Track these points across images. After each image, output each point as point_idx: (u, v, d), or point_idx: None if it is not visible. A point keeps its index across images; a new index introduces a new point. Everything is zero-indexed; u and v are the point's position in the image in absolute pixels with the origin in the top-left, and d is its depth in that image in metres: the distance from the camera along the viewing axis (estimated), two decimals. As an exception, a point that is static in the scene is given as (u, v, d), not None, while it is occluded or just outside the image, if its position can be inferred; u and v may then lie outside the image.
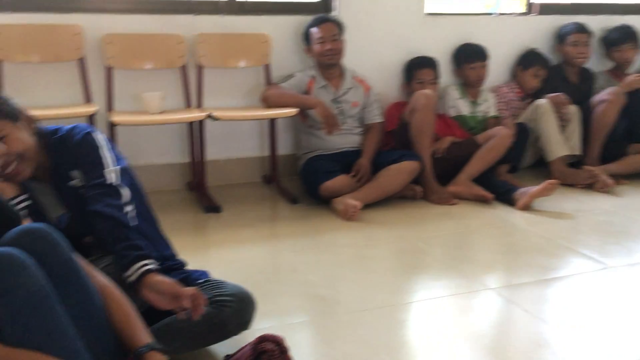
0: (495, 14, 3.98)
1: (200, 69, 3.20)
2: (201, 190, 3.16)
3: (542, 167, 3.55)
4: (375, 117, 3.30)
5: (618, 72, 3.88)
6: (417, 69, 3.46)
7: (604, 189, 3.29)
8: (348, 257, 2.47)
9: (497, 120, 3.56)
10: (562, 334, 1.87)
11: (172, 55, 3.15)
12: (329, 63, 3.18)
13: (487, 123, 3.57)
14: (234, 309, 1.63)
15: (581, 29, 3.76)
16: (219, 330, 1.63)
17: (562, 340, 1.83)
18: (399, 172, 3.03)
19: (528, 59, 3.73)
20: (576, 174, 3.40)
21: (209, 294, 1.63)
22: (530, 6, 3.96)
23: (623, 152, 3.57)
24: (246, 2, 3.38)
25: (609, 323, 1.95)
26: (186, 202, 3.14)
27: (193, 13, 3.23)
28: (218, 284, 1.70)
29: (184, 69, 3.19)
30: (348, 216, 2.83)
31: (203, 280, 1.73)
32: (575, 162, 3.52)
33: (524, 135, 3.43)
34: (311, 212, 2.98)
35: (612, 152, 3.55)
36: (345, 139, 3.20)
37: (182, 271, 1.75)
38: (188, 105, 3.22)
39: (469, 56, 3.58)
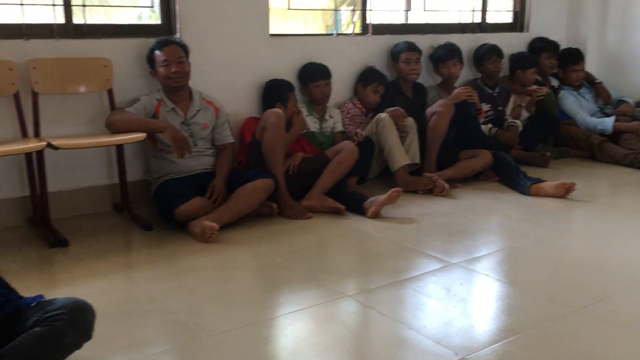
0: (334, 34, 4.19)
1: (35, 96, 3.01)
2: (44, 225, 2.95)
3: (387, 177, 3.78)
4: (227, 137, 3.32)
5: (446, 85, 4.26)
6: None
7: (442, 193, 3.58)
8: (208, 280, 2.45)
9: (344, 135, 3.74)
10: (417, 331, 2.01)
11: (2, 83, 2.93)
12: (175, 86, 3.15)
13: (335, 138, 3.73)
14: (67, 320, 1.57)
15: (411, 47, 4.08)
16: (56, 346, 1.57)
17: (417, 338, 1.97)
18: (254, 190, 3.07)
19: (367, 76, 3.97)
20: (417, 181, 3.66)
21: (38, 314, 1.57)
22: (365, 27, 4.22)
23: (456, 158, 3.91)
24: (83, 25, 3.25)
25: (456, 315, 2.14)
26: (28, 238, 2.92)
27: (24, 37, 3.04)
28: (49, 302, 1.64)
29: (17, 97, 2.98)
30: (206, 238, 2.81)
31: (35, 303, 1.65)
32: (415, 170, 3.80)
33: (369, 147, 3.64)
34: (167, 238, 2.91)
35: (446, 158, 3.88)
36: (197, 161, 3.18)
37: (11, 304, 1.65)
38: (24, 135, 3.01)
39: (313, 75, 3.73)
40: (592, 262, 2.63)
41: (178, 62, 3.12)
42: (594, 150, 4.47)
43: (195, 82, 3.28)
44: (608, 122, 4.54)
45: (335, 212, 3.24)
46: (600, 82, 4.92)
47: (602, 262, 2.63)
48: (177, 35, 3.39)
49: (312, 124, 3.71)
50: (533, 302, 2.24)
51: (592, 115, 4.70)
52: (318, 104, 3.75)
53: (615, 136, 4.52)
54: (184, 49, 3.18)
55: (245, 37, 3.62)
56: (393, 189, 3.22)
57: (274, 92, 3.60)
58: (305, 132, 3.67)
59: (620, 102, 4.82)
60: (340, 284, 2.41)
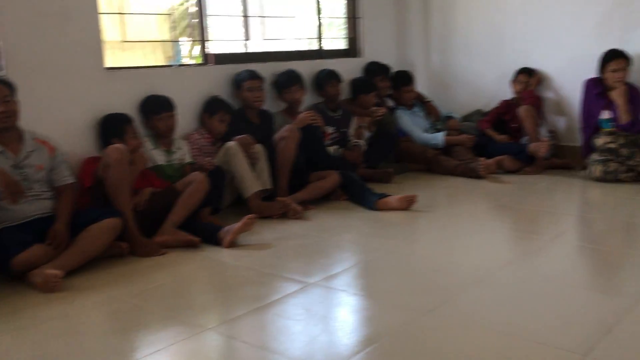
0: (175, 65, 4.13)
1: None
2: None
3: (241, 205, 3.77)
4: (66, 177, 3.11)
5: (291, 111, 4.37)
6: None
7: (296, 216, 3.65)
8: (56, 332, 2.27)
9: (193, 167, 3.68)
10: (281, 354, 2.02)
11: None
12: (1, 127, 2.90)
13: (184, 170, 3.66)
14: None
15: (254, 75, 4.15)
16: None
17: (279, 360, 1.98)
18: (100, 231, 2.91)
19: (212, 106, 3.96)
20: (271, 206, 3.70)
21: None
22: (206, 57, 4.22)
23: (306, 181, 4.02)
24: None
25: (317, 333, 2.17)
26: None
27: None
28: None
29: None
30: (49, 288, 2.60)
31: None
32: (268, 196, 3.83)
33: (220, 177, 3.62)
34: (4, 291, 2.66)
35: (297, 181, 3.97)
36: (34, 206, 2.95)
37: None
38: None
39: (156, 108, 3.64)
40: (437, 266, 2.82)
41: (3, 102, 2.88)
42: (430, 163, 4.83)
43: (26, 121, 3.04)
44: (439, 137, 4.93)
45: (190, 246, 3.17)
46: (430, 101, 5.34)
47: (446, 265, 2.84)
48: (2, 73, 3.14)
49: (159, 157, 3.62)
50: (387, 311, 2.35)
51: (425, 131, 5.07)
52: (163, 137, 3.66)
53: (447, 149, 4.92)
54: (9, 87, 2.95)
55: (78, 72, 3.45)
56: (247, 216, 3.22)
57: (109, 127, 3.45)
58: (153, 166, 3.56)
59: (449, 117, 5.27)
60: (201, 318, 2.36)
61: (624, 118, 4.36)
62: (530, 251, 3.01)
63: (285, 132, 3.92)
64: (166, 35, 4.31)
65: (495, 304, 2.37)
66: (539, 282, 2.58)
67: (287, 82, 4.36)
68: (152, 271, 2.88)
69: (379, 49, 5.43)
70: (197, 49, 4.29)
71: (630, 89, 4.42)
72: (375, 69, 5.15)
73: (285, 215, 3.66)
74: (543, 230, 3.41)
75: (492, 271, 2.70)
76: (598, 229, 3.45)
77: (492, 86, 5.35)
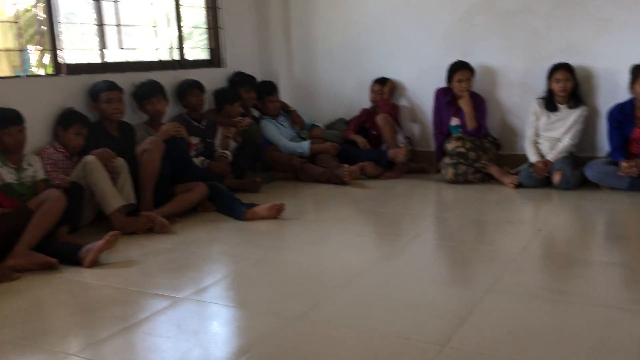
0: (23, 76, 3.85)
1: None
2: None
3: (103, 221, 3.60)
4: None
5: (153, 122, 4.25)
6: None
7: (163, 230, 3.55)
8: None
9: (47, 184, 3.45)
10: (149, 374, 1.95)
11: None
12: None
13: (37, 187, 3.42)
14: None
15: (112, 86, 3.98)
16: None
17: (150, 380, 1.91)
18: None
19: (67, 119, 3.74)
20: (135, 221, 3.57)
21: None
22: (58, 67, 3.98)
23: (172, 193, 3.92)
24: None
25: (189, 348, 2.13)
26: None
27: None
28: None
29: None
30: None
31: None
32: (132, 211, 3.69)
33: (79, 193, 3.42)
34: None
35: (163, 194, 3.86)
36: None
37: None
38: None
39: (2, 122, 3.35)
40: (306, 272, 2.89)
41: None
42: (297, 171, 4.92)
43: None
44: (305, 145, 5.05)
45: (47, 268, 2.97)
46: (294, 110, 5.44)
47: (315, 270, 2.91)
48: None
49: (8, 175, 3.34)
50: (259, 320, 2.37)
51: (291, 140, 5.16)
52: (12, 153, 3.39)
53: (312, 157, 5.04)
54: None
55: None
56: (109, 233, 3.08)
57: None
58: (1, 185, 3.29)
59: (313, 126, 5.40)
60: (62, 343, 2.21)
61: (471, 124, 4.74)
62: (392, 252, 3.17)
63: (148, 145, 3.80)
64: (11, 44, 4.01)
65: (363, 304, 2.47)
66: (402, 281, 2.73)
67: (148, 93, 4.23)
68: (4, 298, 2.66)
69: (242, 59, 5.44)
70: (47, 58, 4.03)
71: (474, 97, 4.82)
72: (240, 80, 5.15)
73: (151, 230, 3.55)
74: (404, 231, 3.61)
75: (358, 273, 2.81)
76: (452, 227, 3.72)
77: (352, 95, 5.57)
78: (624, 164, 4.13)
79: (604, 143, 4.52)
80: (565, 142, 4.50)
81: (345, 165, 4.76)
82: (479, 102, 4.83)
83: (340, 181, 4.70)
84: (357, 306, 2.45)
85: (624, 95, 4.33)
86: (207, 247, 3.34)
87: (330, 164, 4.89)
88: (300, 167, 4.90)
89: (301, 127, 5.38)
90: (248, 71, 5.29)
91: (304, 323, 2.29)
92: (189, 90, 4.57)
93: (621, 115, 4.29)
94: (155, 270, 3.00)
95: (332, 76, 5.69)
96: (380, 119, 5.05)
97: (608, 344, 2.01)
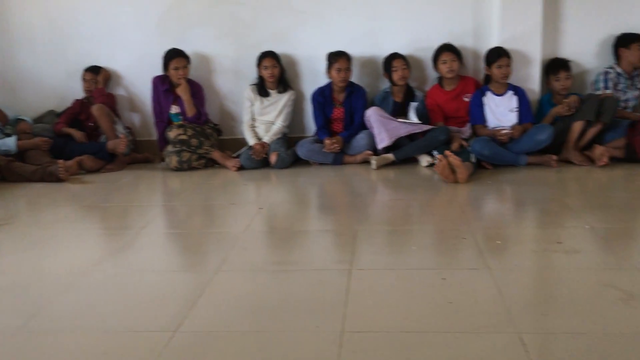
0: None
1: None
2: None
3: None
4: None
5: None
6: None
7: None
8: None
9: None
10: None
11: None
12: None
13: None
14: None
15: None
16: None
17: None
18: None
19: None
20: None
21: None
22: None
23: None
24: None
25: None
26: None
27: None
28: None
29: None
30: None
31: None
32: None
33: None
34: None
35: None
36: None
37: None
38: None
39: None
40: (23, 280, 2.63)
41: None
42: (2, 171, 4.42)
43: None
44: (10, 142, 4.56)
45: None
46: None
47: (34, 277, 2.67)
48: None
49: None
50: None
51: (-8, 137, 4.61)
52: None
53: (21, 154, 4.58)
54: None
55: None
56: None
57: None
58: None
59: (19, 120, 4.90)
60: None
61: (190, 111, 4.81)
62: (120, 246, 3.08)
63: None
64: None
65: (88, 304, 2.36)
66: (130, 274, 2.67)
67: None
68: None
69: None
70: None
71: (192, 84, 4.89)
72: None
73: None
74: (131, 224, 3.52)
75: (83, 273, 2.66)
76: (180, 215, 3.75)
77: (62, 86, 5.19)
78: (327, 141, 4.64)
79: (311, 123, 5.00)
80: (278, 124, 4.87)
81: (60, 161, 4.44)
82: (196, 89, 4.92)
83: (55, 178, 4.37)
84: (82, 307, 2.33)
85: (323, 80, 4.84)
86: None
87: (43, 161, 4.50)
88: (6, 167, 4.41)
89: (4, 122, 4.84)
90: None
91: (21, 337, 2.10)
92: None
93: (322, 97, 4.80)
94: None
95: (36, 66, 5.21)
96: (95, 110, 4.81)
97: (323, 300, 2.27)
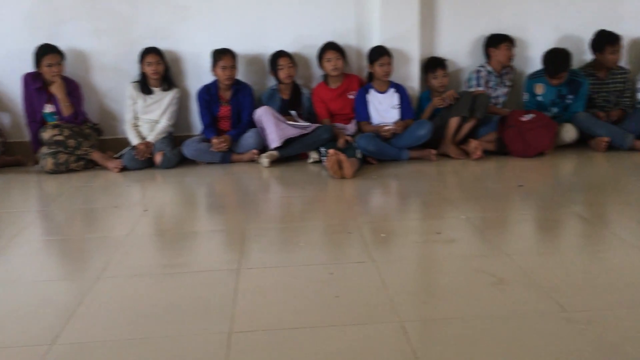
0: None
1: None
2: None
3: None
4: None
5: None
6: None
7: None
8: None
9: None
10: None
11: None
12: None
13: None
14: None
15: None
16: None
17: None
18: None
19: None
20: None
21: None
22: None
23: None
24: None
25: None
26: None
27: None
28: None
29: None
30: None
31: None
32: None
33: None
34: None
35: None
36: None
37: None
38: None
39: None
40: None
41: None
42: None
43: None
44: None
45: None
46: None
47: None
48: None
49: None
50: None
51: None
52: None
53: None
54: None
55: None
56: None
57: None
58: None
59: None
60: None
61: (66, 111, 4.55)
62: (-12, 257, 2.86)
63: None
64: None
65: (-46, 322, 2.18)
66: (10, 286, 2.49)
67: None
68: None
69: None
70: None
71: (67, 82, 4.63)
72: None
73: None
74: (1, 232, 3.27)
75: (-55, 289, 2.44)
76: (58, 220, 3.54)
77: None
78: (214, 140, 4.57)
79: (197, 122, 4.91)
80: (163, 123, 4.73)
81: None
82: (72, 87, 4.66)
83: None
84: (-53, 326, 2.14)
85: (209, 77, 4.76)
86: None
87: None
88: None
89: None
90: None
91: None
92: None
93: (208, 95, 4.72)
94: None
95: None
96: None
97: (211, 302, 2.23)
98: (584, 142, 4.77)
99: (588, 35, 4.94)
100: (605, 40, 4.85)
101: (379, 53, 4.66)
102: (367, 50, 4.76)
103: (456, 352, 1.85)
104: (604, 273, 2.45)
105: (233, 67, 4.67)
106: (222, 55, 4.63)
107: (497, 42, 4.91)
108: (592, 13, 5.10)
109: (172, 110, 4.80)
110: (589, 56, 5.04)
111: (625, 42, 4.99)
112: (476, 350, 1.86)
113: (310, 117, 4.81)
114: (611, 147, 4.64)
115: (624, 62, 5.15)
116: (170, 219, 3.55)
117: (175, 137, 4.82)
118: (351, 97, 4.81)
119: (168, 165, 4.53)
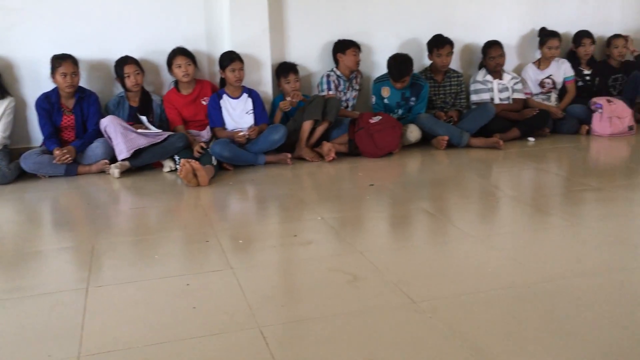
0: None
1: None
2: None
3: None
4: None
5: None
6: None
7: None
8: None
9: None
10: None
11: None
12: None
13: None
14: None
15: None
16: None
17: None
18: None
19: None
20: None
21: None
22: None
23: None
24: None
25: None
26: None
27: None
28: None
29: None
30: None
31: None
32: None
33: None
34: None
35: None
36: None
37: None
38: None
39: None
40: None
41: None
42: None
43: None
44: None
45: None
46: None
47: None
48: None
49: None
50: None
51: None
52: None
53: None
54: None
55: None
56: None
57: None
58: None
59: None
60: None
61: None
62: None
63: None
64: None
65: None
66: None
67: None
68: None
69: None
70: None
71: None
72: None
73: None
74: None
75: None
76: None
77: None
78: (57, 152, 4.27)
79: (37, 133, 4.55)
80: (-3, 135, 4.34)
81: None
82: None
83: None
84: None
85: (49, 85, 4.44)
86: None
87: None
88: None
89: None
90: None
91: None
92: None
93: (48, 104, 4.40)
94: None
95: None
96: None
97: (57, 326, 2.08)
98: (426, 141, 5.10)
99: (426, 40, 5.31)
100: (433, 44, 5.26)
101: (230, 58, 4.64)
102: (218, 56, 4.72)
103: (314, 351, 1.89)
104: (448, 263, 2.64)
105: (75, 73, 4.39)
106: (61, 62, 4.34)
107: (344, 48, 5.09)
108: (428, 21, 5.48)
109: (7, 120, 4.41)
110: (427, 61, 5.40)
111: (457, 47, 5.42)
112: (333, 347, 1.91)
113: (163, 124, 4.66)
114: (450, 145, 5.00)
115: (457, 66, 5.59)
116: (10, 240, 3.25)
117: (11, 150, 4.43)
118: (204, 103, 4.74)
119: (4, 181, 4.15)
